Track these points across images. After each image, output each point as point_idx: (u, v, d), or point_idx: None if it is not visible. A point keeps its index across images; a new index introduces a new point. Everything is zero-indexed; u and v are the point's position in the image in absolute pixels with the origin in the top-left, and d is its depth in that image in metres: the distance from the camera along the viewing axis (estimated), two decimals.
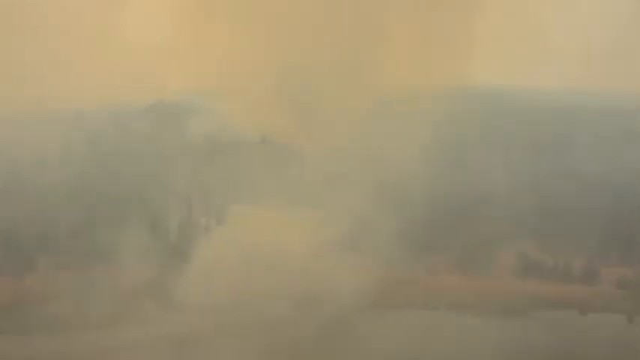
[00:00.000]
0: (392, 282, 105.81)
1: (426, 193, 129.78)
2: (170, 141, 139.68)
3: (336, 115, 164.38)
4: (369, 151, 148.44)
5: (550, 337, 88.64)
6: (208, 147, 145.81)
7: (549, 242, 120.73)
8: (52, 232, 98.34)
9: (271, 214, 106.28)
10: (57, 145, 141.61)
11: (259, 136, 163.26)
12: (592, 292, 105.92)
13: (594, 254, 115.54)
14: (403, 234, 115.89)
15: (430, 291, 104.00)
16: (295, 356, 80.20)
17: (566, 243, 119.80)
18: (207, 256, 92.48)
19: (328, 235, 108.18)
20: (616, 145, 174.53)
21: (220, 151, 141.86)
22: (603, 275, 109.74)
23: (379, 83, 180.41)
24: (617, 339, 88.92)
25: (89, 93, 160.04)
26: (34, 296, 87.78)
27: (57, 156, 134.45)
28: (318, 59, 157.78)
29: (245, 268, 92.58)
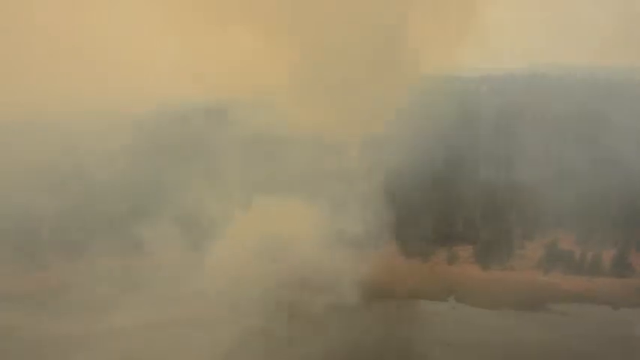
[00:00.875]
0: (406, 272, 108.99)
1: (451, 181, 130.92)
2: (216, 138, 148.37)
3: (371, 106, 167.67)
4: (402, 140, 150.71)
5: (566, 332, 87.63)
6: (251, 143, 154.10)
7: (582, 234, 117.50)
8: (98, 224, 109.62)
9: (293, 204, 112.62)
10: (120, 143, 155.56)
11: (300, 131, 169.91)
12: (623, 284, 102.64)
13: (628, 246, 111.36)
14: (426, 224, 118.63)
15: (443, 282, 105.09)
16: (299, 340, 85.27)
17: (601, 234, 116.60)
18: (225, 245, 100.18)
19: (348, 225, 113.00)
20: None
21: (261, 146, 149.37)
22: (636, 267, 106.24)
23: (413, 73, 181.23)
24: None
25: (152, 94, 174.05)
26: (78, 280, 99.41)
27: (119, 153, 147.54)
28: (349, 53, 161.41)
29: (256, 256, 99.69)
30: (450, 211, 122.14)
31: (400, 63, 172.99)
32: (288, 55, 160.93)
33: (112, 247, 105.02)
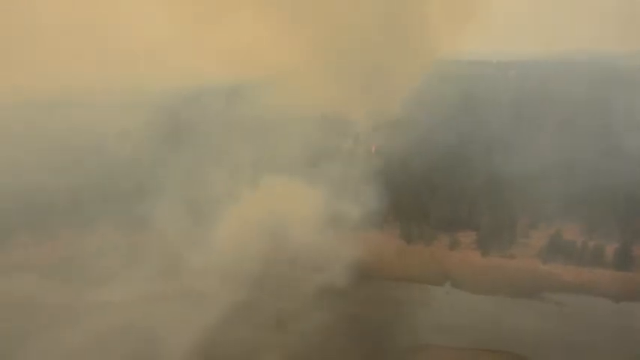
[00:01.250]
0: (405, 255, 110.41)
1: (458, 167, 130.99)
2: (229, 118, 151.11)
3: (386, 88, 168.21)
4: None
5: (560, 321, 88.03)
6: (267, 123, 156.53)
7: (588, 225, 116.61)
8: (108, 199, 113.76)
9: (297, 184, 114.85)
10: (140, 122, 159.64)
11: (320, 113, 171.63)
12: (625, 278, 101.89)
13: (633, 239, 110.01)
14: (429, 209, 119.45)
15: (441, 266, 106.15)
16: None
17: (607, 226, 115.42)
18: (228, 223, 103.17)
19: (350, 206, 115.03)
20: None
21: (277, 127, 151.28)
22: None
23: (428, 56, 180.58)
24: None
25: (169, 75, 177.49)
26: (86, 252, 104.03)
27: (134, 131, 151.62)
28: (368, 36, 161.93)
29: (257, 234, 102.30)
30: (456, 196, 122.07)
31: (416, 46, 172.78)
32: (301, 37, 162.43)
33: (119, 222, 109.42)
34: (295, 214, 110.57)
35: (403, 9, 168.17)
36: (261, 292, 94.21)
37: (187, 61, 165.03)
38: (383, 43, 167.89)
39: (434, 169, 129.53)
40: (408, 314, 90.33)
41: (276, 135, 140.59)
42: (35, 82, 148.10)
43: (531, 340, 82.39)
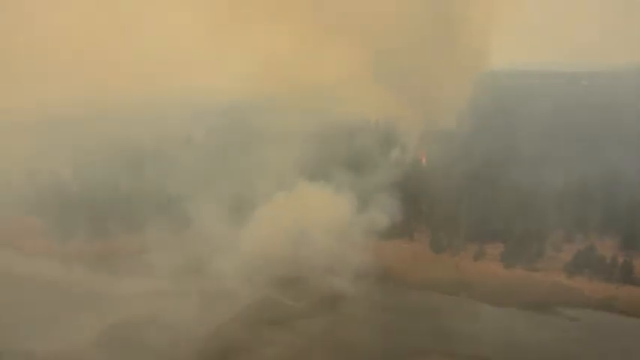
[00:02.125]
0: (430, 265, 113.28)
1: (493, 179, 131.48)
2: (277, 128, 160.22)
3: (440, 98, 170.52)
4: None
5: (571, 336, 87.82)
6: (321, 131, 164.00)
7: (622, 240, 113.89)
8: (159, 201, 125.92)
9: (330, 191, 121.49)
10: (202, 129, 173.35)
11: (374, 121, 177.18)
12: None
13: None
14: (460, 220, 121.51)
15: (462, 276, 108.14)
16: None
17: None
18: (260, 226, 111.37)
19: (380, 214, 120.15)
20: None
21: (320, 135, 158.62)
22: None
23: (476, 63, 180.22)
24: None
25: (224, 89, 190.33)
26: (133, 249, 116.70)
27: (201, 137, 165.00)
28: (416, 45, 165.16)
29: (285, 238, 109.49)
30: (487, 207, 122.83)
31: (466, 56, 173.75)
32: (350, 49, 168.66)
33: (166, 223, 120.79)
34: (325, 220, 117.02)
35: (452, 19, 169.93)
36: (282, 294, 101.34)
37: (237, 72, 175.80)
38: (432, 52, 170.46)
39: (470, 180, 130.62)
40: (417, 321, 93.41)
41: (319, 142, 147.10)
42: (105, 97, 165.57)
43: (535, 353, 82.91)
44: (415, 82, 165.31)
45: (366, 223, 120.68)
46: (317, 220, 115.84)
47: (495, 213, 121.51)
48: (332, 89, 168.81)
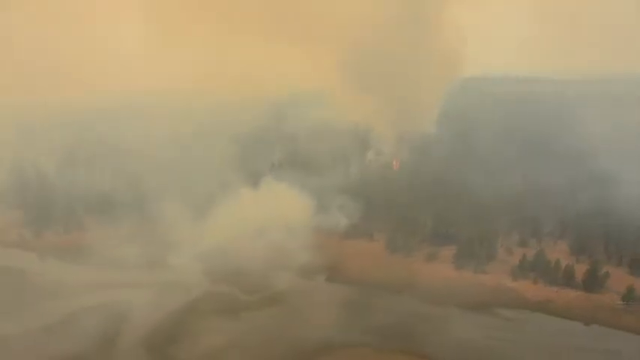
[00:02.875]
0: (384, 264, 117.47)
1: (451, 185, 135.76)
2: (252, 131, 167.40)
3: (415, 100, 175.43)
4: None
5: (502, 336, 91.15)
6: (307, 133, 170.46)
7: (577, 246, 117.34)
8: (131, 198, 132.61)
9: (294, 191, 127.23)
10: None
11: (354, 124, 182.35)
12: (591, 299, 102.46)
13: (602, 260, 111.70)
14: (417, 223, 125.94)
15: (410, 276, 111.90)
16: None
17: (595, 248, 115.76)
18: (220, 222, 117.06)
19: (339, 213, 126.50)
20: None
21: (314, 137, 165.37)
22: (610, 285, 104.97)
23: (450, 73, 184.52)
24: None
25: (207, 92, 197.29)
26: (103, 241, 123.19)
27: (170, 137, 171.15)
28: (392, 56, 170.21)
29: (239, 233, 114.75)
30: (444, 211, 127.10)
31: (441, 64, 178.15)
32: (327, 56, 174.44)
33: (134, 217, 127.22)
34: (284, 219, 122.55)
35: (428, 27, 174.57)
36: (235, 287, 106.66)
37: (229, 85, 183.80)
38: (407, 59, 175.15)
39: (430, 184, 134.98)
40: (355, 317, 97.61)
41: (289, 145, 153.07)
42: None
43: (465, 350, 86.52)
44: (388, 88, 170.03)
45: (324, 223, 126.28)
46: (276, 219, 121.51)
47: (452, 217, 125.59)
48: (302, 95, 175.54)
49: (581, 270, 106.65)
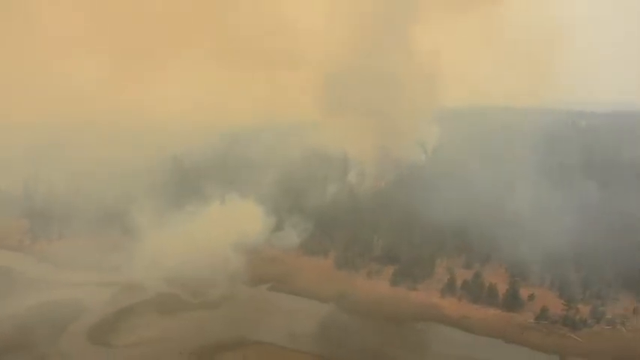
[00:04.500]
0: (328, 279, 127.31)
1: (394, 208, 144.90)
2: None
3: (392, 128, 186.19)
4: None
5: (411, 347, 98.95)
6: (297, 161, 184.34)
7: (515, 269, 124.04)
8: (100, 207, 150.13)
9: (259, 209, 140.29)
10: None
11: (343, 153, 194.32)
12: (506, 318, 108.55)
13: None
14: (367, 244, 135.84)
15: (347, 290, 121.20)
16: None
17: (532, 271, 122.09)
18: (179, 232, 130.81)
19: (295, 234, 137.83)
20: None
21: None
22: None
23: (432, 102, 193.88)
24: None
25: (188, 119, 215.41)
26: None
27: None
28: (369, 81, 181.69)
29: (195, 244, 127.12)
30: (390, 232, 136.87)
31: (419, 93, 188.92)
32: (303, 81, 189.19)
33: (103, 225, 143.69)
34: (243, 232, 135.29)
35: (405, 52, 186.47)
36: (183, 291, 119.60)
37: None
38: (385, 84, 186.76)
39: (381, 206, 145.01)
40: (272, 320, 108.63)
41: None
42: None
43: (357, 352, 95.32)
44: (365, 114, 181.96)
45: (277, 240, 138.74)
46: (234, 233, 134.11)
47: (402, 239, 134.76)
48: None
49: (503, 290, 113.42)
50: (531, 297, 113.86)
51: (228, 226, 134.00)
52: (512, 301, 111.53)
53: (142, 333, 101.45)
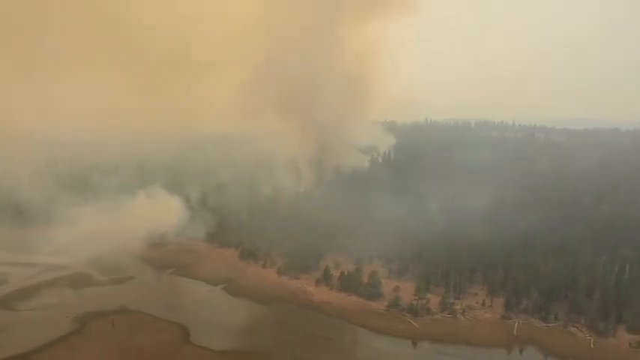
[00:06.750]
0: (228, 266, 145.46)
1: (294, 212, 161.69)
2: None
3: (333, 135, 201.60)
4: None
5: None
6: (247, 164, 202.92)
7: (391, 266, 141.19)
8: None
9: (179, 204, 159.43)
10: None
11: (290, 157, 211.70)
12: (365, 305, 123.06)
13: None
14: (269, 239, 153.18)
15: (241, 276, 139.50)
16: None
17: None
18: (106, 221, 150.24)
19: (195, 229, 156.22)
20: None
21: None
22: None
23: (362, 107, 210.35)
24: None
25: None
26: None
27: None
28: (309, 84, 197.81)
29: (113, 230, 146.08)
30: (287, 230, 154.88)
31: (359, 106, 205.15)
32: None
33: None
34: (159, 223, 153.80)
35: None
36: (96, 271, 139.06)
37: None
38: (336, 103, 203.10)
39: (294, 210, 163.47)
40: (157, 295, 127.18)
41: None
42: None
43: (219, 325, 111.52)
44: (306, 119, 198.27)
45: (189, 232, 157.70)
46: (152, 223, 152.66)
47: (293, 237, 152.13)
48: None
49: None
50: (396, 289, 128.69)
51: (147, 218, 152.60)
52: (372, 291, 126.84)
53: (44, 301, 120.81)
